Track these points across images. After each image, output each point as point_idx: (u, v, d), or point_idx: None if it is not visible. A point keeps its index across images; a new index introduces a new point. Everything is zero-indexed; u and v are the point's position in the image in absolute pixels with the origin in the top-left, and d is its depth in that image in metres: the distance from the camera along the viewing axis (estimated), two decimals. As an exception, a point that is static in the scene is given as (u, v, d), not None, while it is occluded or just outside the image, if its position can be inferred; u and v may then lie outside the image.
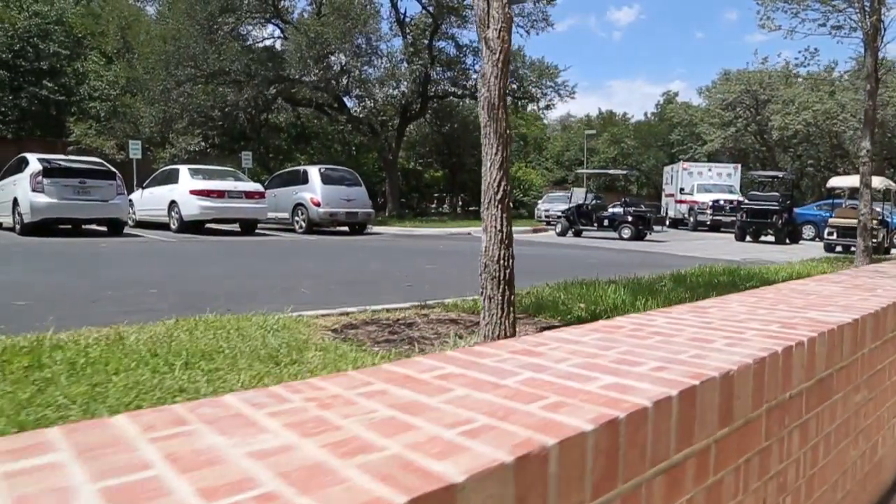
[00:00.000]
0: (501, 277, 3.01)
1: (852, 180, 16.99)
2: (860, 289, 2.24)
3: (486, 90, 2.97)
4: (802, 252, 15.13)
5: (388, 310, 4.28)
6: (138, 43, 22.42)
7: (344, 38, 19.58)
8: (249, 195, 15.27)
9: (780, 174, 21.00)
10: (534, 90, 25.75)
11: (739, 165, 29.66)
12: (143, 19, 26.04)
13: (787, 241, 18.66)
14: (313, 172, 16.81)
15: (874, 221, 15.43)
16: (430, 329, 3.69)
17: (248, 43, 20.57)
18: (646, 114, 59.70)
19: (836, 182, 17.18)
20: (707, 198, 24.31)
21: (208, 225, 15.18)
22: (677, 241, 18.00)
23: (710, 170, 28.62)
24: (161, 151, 20.48)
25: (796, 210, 20.40)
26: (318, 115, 25.72)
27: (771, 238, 18.41)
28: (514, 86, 25.43)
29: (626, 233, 17.25)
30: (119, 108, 22.48)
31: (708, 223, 23.73)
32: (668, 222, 29.27)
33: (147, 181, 17.02)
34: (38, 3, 23.66)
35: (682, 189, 26.79)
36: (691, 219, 25.21)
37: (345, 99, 24.79)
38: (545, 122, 65.50)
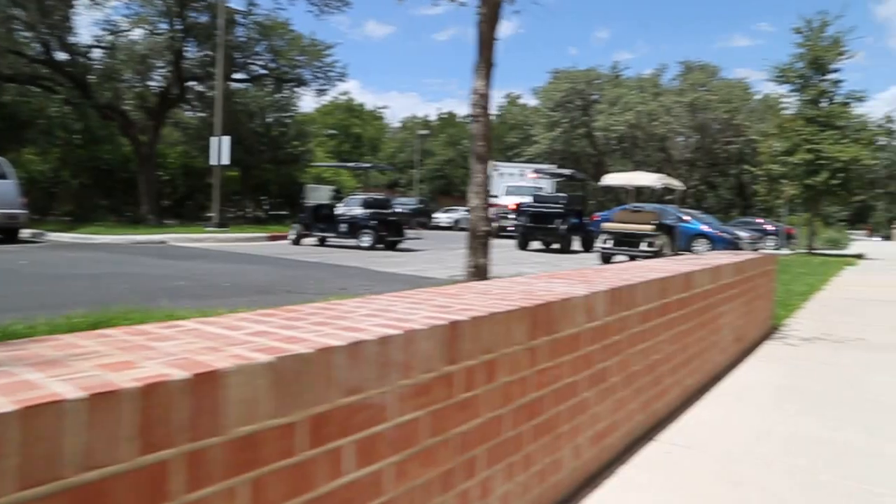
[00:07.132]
0: None
1: (628, 178, 14.51)
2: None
3: None
4: (581, 262, 12.56)
5: None
6: None
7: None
8: None
9: (569, 172, 18.44)
10: (303, 73, 21.79)
11: (554, 167, 27.31)
12: None
13: (584, 249, 16.19)
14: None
15: (651, 227, 12.91)
16: None
17: None
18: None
19: (610, 180, 14.56)
20: (513, 201, 21.52)
21: None
22: (437, 250, 14.92)
23: (521, 172, 26.04)
24: None
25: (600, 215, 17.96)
26: (42, 93, 20.34)
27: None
28: (273, 64, 21.33)
29: (367, 240, 13.86)
30: None
31: (511, 229, 20.97)
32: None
33: None
34: None
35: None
36: (495, 225, 22.41)
37: (82, 79, 19.78)
38: (386, 122, 62.41)
